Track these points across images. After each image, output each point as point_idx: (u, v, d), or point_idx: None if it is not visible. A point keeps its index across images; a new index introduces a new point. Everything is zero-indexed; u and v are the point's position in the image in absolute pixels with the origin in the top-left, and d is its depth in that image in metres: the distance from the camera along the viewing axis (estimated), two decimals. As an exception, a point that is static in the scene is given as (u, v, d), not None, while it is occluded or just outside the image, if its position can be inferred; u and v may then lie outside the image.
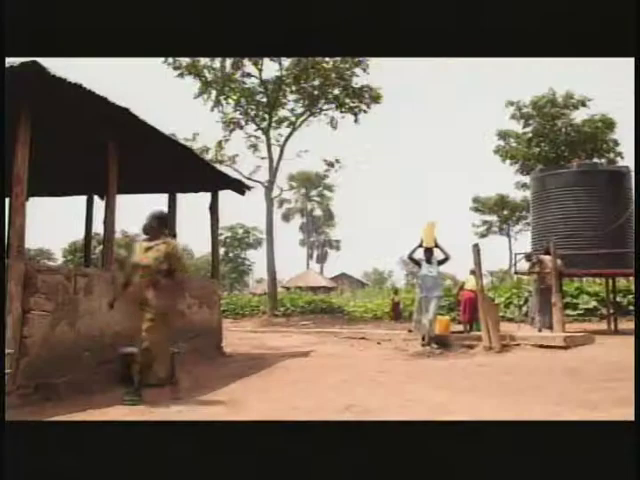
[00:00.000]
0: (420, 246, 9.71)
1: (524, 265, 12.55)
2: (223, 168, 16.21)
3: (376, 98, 22.45)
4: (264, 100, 22.54)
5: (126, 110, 5.98)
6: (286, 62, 21.70)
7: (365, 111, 22.67)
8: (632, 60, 3.47)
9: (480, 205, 47.99)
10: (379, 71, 44.81)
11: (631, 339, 7.65)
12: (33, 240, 41.27)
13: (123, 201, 7.22)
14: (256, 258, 60.58)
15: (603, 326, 13.18)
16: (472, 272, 10.99)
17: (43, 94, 5.29)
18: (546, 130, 28.01)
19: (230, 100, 22.51)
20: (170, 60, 21.31)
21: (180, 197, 9.67)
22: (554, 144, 28.03)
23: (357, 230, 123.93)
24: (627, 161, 26.48)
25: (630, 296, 16.09)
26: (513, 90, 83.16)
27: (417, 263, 9.83)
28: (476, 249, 9.81)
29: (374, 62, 22.04)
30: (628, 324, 12.92)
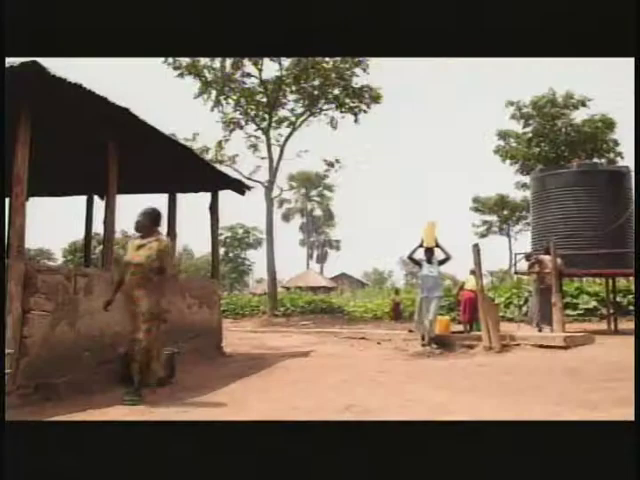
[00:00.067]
0: (420, 246, 9.70)
1: (524, 265, 12.54)
2: (223, 168, 16.21)
3: (376, 98, 22.45)
4: (264, 100, 22.55)
5: (126, 110, 5.98)
6: (286, 62, 21.72)
7: (365, 111, 22.68)
8: (632, 60, 3.47)
9: (480, 205, 47.99)
10: (379, 71, 44.83)
11: (631, 339, 7.65)
12: (33, 240, 41.29)
13: (123, 201, 7.23)
14: (256, 258, 60.65)
15: (603, 326, 13.18)
16: (472, 272, 10.99)
17: (43, 94, 5.29)
18: (546, 130, 28.00)
19: (230, 100, 22.52)
20: (170, 60, 21.32)
21: (180, 197, 9.66)
22: (554, 144, 28.02)
23: (357, 230, 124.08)
24: (627, 161, 26.51)
25: (630, 296, 16.08)
26: (513, 90, 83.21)
27: (417, 263, 9.82)
28: (476, 249, 9.81)
29: (374, 62, 22.07)
30: (628, 324, 12.92)
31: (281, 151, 23.07)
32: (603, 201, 11.87)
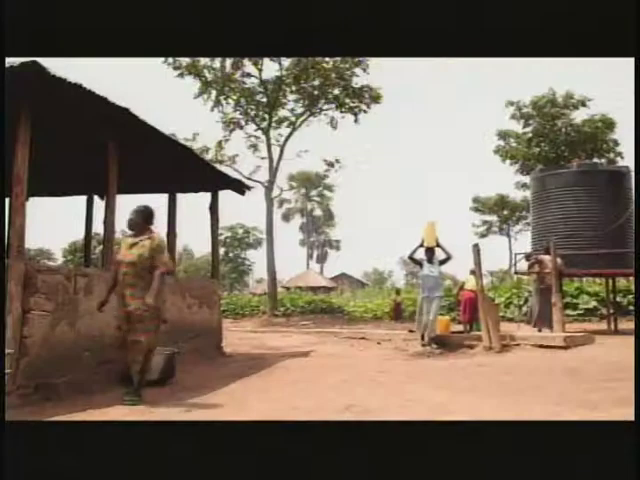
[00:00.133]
0: (421, 246, 9.69)
1: (524, 265, 12.54)
2: (223, 168, 16.21)
3: (376, 98, 22.45)
4: (264, 100, 22.55)
5: (126, 110, 5.98)
6: (286, 62, 21.71)
7: (365, 111, 22.68)
8: (632, 60, 3.47)
9: (480, 205, 47.99)
10: (379, 71, 44.84)
11: (631, 339, 7.65)
12: (33, 240, 41.30)
13: (123, 201, 7.22)
14: (256, 258, 60.65)
15: (603, 326, 13.18)
16: (472, 272, 10.99)
17: (43, 94, 5.29)
18: (546, 130, 28.00)
19: (230, 100, 22.52)
20: (170, 60, 21.32)
21: (180, 197, 9.67)
22: (554, 144, 28.03)
23: (357, 230, 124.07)
24: (627, 161, 26.51)
25: (630, 296, 16.08)
26: (513, 90, 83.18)
27: (418, 263, 9.82)
28: (476, 249, 9.81)
29: (374, 62, 22.07)
30: (628, 324, 12.91)
31: (281, 151, 23.09)
32: (603, 201, 11.87)
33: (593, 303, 16.99)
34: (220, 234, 20.33)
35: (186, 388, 5.91)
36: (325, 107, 22.86)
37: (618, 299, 14.29)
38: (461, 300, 12.21)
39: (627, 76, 8.06)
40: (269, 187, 22.91)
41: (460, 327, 12.12)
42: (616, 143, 27.86)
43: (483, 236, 47.84)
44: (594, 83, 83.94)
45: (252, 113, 22.83)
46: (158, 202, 9.98)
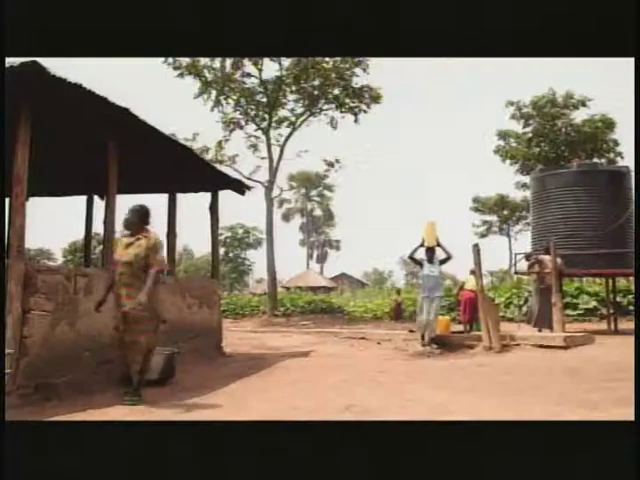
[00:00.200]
0: (422, 246, 9.69)
1: (524, 265, 12.55)
2: (223, 168, 16.21)
3: (376, 98, 22.46)
4: (264, 100, 22.55)
5: (126, 110, 5.98)
6: (286, 62, 21.72)
7: (365, 111, 22.68)
8: (632, 60, 3.47)
9: (480, 205, 47.98)
10: (379, 71, 44.83)
11: (631, 339, 7.65)
12: (33, 240, 41.28)
13: (123, 201, 7.22)
14: (256, 258, 60.66)
15: (603, 326, 13.18)
16: (472, 272, 10.99)
17: (43, 94, 5.29)
18: (546, 130, 28.01)
19: (230, 100, 22.52)
20: (170, 60, 21.32)
21: (180, 197, 9.67)
22: (554, 144, 28.03)
23: (357, 230, 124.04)
24: (627, 161, 26.52)
25: (630, 296, 16.08)
26: (513, 90, 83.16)
27: (418, 263, 9.81)
28: (476, 249, 9.81)
29: (374, 62, 22.07)
30: (628, 324, 12.92)
31: (281, 151, 23.09)
32: (603, 201, 11.87)
33: (593, 303, 16.99)
34: (220, 234, 20.33)
35: (186, 388, 5.91)
36: (325, 107, 22.88)
37: (618, 299, 14.29)
38: (461, 300, 12.22)
39: (627, 76, 8.06)
40: (269, 187, 22.91)
41: (460, 327, 12.12)
42: (616, 143, 27.87)
43: (483, 236, 47.85)
44: (594, 83, 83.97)
45: (252, 113, 22.84)
46: (158, 202, 10.01)
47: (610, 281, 13.42)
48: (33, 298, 5.26)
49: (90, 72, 10.59)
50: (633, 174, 12.07)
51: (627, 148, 27.79)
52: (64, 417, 4.48)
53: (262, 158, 23.09)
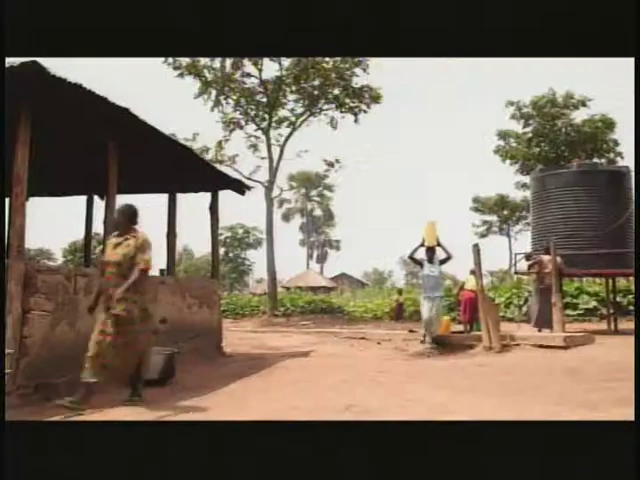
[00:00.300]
0: (422, 245, 9.68)
1: (524, 265, 12.55)
2: (223, 168, 16.22)
3: (376, 98, 22.46)
4: (264, 100, 22.56)
5: (126, 110, 5.98)
6: (286, 62, 21.73)
7: (365, 111, 22.69)
8: (632, 60, 3.47)
9: (480, 205, 47.99)
10: (379, 71, 44.83)
11: (631, 339, 7.65)
12: (33, 240, 41.29)
13: (123, 201, 7.21)
14: (256, 258, 60.69)
15: (603, 326, 13.18)
16: (472, 272, 10.99)
17: (43, 94, 5.29)
18: (546, 130, 28.01)
19: (230, 100, 22.53)
20: (170, 60, 21.33)
21: (180, 197, 9.67)
22: (554, 144, 28.03)
23: (357, 230, 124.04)
24: (627, 161, 26.53)
25: (630, 296, 16.08)
26: (513, 90, 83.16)
27: (419, 263, 9.79)
28: (476, 249, 9.80)
29: (374, 62, 22.08)
30: (628, 324, 12.92)
31: (281, 151, 23.10)
32: (603, 201, 11.87)
33: (593, 303, 16.99)
34: (220, 234, 20.33)
35: (186, 388, 5.91)
36: (325, 107, 22.89)
37: (618, 299, 14.29)
38: (461, 300, 12.22)
39: (627, 76, 8.06)
40: (269, 187, 22.91)
41: (460, 327, 12.12)
42: (616, 143, 27.87)
43: (483, 236, 47.86)
44: (594, 83, 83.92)
45: (252, 113, 22.84)
46: (158, 202, 10.03)
47: (610, 281, 13.42)
48: (33, 298, 5.27)
49: (90, 72, 10.60)
50: (633, 174, 12.07)
51: (627, 148, 27.85)
52: (64, 417, 4.48)
53: (262, 158, 23.12)
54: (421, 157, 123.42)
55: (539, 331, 10.42)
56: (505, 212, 47.20)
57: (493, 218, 48.59)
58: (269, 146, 22.92)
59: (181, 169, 8.53)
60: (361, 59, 21.35)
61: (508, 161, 29.69)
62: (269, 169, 22.93)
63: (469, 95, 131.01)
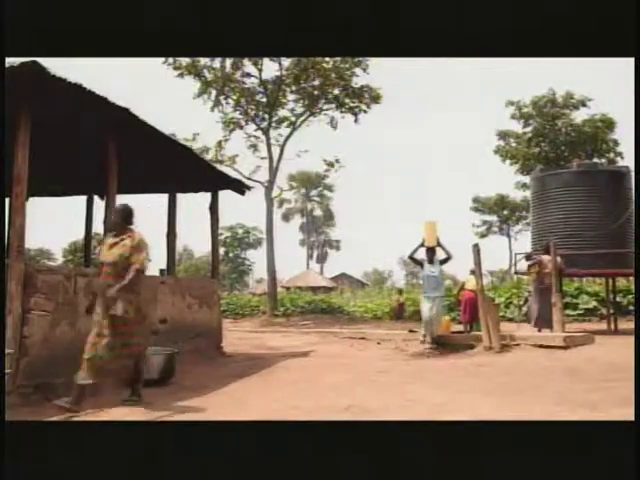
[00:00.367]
0: (422, 246, 9.66)
1: (524, 265, 12.54)
2: (223, 168, 16.20)
3: (376, 98, 22.44)
4: (264, 100, 22.54)
5: (126, 110, 5.98)
6: (286, 62, 21.70)
7: (365, 111, 22.67)
8: (632, 60, 3.47)
9: (480, 205, 48.01)
10: (379, 71, 44.80)
11: (631, 339, 7.64)
12: (33, 240, 41.22)
13: (123, 201, 7.21)
14: (256, 258, 60.69)
15: (603, 326, 13.17)
16: (472, 272, 10.98)
17: (43, 94, 5.29)
18: (546, 130, 28.02)
19: (230, 100, 22.51)
20: (170, 60, 21.30)
21: (180, 197, 9.67)
22: (554, 144, 28.03)
23: (357, 230, 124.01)
24: (627, 161, 26.51)
25: (630, 296, 16.08)
26: (513, 90, 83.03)
27: (419, 263, 9.76)
28: (476, 249, 9.80)
29: (374, 62, 22.06)
30: (628, 324, 12.91)
31: (281, 151, 23.07)
32: (603, 201, 11.86)
33: (593, 303, 16.99)
34: (220, 234, 20.32)
35: (186, 388, 5.91)
36: (325, 107, 22.86)
37: (618, 299, 14.28)
38: (461, 300, 12.21)
39: (627, 76, 8.05)
40: (269, 187, 22.89)
41: (460, 327, 12.12)
42: (616, 143, 27.87)
43: (483, 236, 47.85)
44: (594, 83, 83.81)
45: (252, 113, 22.82)
46: (158, 202, 10.03)
47: (610, 281, 13.42)
48: (33, 298, 5.27)
49: (90, 72, 10.59)
50: (633, 174, 12.07)
51: (627, 148, 27.84)
52: (64, 417, 4.48)
53: (262, 158, 23.08)
54: (421, 157, 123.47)
55: (539, 331, 10.42)
56: (505, 212, 47.22)
57: (493, 218, 48.62)
58: (269, 146, 22.91)
59: (181, 169, 8.53)
60: (361, 59, 21.33)
61: (508, 161, 29.68)
62: (269, 169, 22.91)
63: (469, 95, 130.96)
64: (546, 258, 10.90)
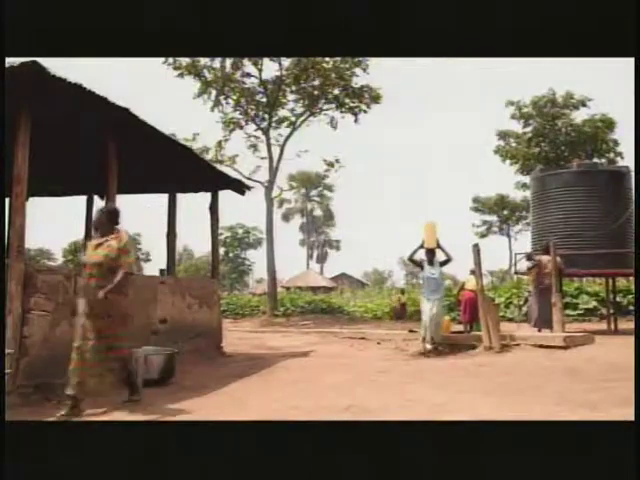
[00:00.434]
0: (421, 247, 9.64)
1: (524, 265, 12.54)
2: (223, 168, 16.20)
3: (376, 98, 22.45)
4: (264, 100, 22.54)
5: (126, 110, 5.98)
6: (286, 62, 21.71)
7: (365, 111, 22.68)
8: (632, 60, 3.47)
9: (480, 205, 48.02)
10: (379, 71, 44.80)
11: (631, 339, 7.64)
12: (33, 240, 41.26)
13: (123, 201, 7.23)
14: (256, 258, 60.72)
15: (603, 326, 13.17)
16: (472, 272, 10.98)
17: (43, 94, 5.29)
18: (546, 130, 28.02)
19: (230, 100, 22.51)
20: (170, 60, 21.31)
21: (180, 197, 9.67)
22: (554, 144, 28.04)
23: (357, 230, 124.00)
24: (627, 161, 26.52)
25: (630, 296, 16.09)
26: (513, 90, 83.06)
27: (418, 265, 9.73)
28: (476, 249, 9.80)
29: (374, 62, 22.06)
30: (628, 324, 12.91)
31: (281, 151, 23.08)
32: (603, 201, 11.86)
33: (593, 303, 16.99)
34: (220, 234, 20.31)
35: (186, 388, 5.91)
36: (325, 107, 22.86)
37: (618, 299, 14.28)
38: (461, 300, 12.21)
39: (627, 76, 8.06)
40: (269, 187, 22.90)
41: (460, 327, 12.12)
42: (616, 143, 27.88)
43: (483, 236, 47.86)
44: (594, 83, 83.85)
45: (252, 113, 22.82)
46: (158, 202, 10.03)
47: (610, 281, 13.42)
48: (33, 298, 5.27)
49: (90, 72, 10.59)
50: (633, 174, 12.07)
51: (627, 148, 27.84)
52: (64, 417, 4.48)
53: (262, 158, 23.09)
54: (421, 157, 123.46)
55: (539, 331, 10.42)
56: (505, 212, 47.23)
57: (493, 218, 48.63)
58: (269, 146, 22.91)
59: (181, 169, 8.54)
60: (361, 59, 21.33)
61: (508, 161, 29.69)
62: (269, 169, 22.91)
63: (469, 95, 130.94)
64: (545, 258, 10.90)
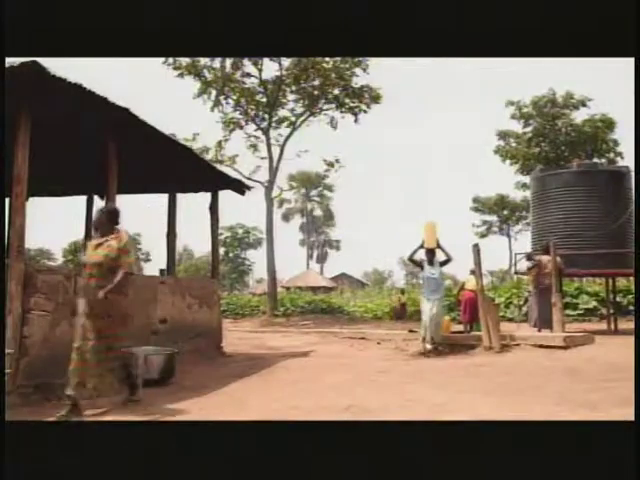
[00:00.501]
0: (421, 247, 9.63)
1: (524, 265, 12.54)
2: (223, 168, 16.20)
3: (376, 98, 22.45)
4: (264, 100, 22.54)
5: (126, 110, 5.98)
6: (286, 62, 21.71)
7: (365, 111, 22.68)
8: (632, 60, 3.47)
9: (480, 205, 48.02)
10: (379, 71, 44.82)
11: (631, 339, 7.64)
12: (33, 240, 41.25)
13: (123, 201, 7.23)
14: (256, 258, 60.73)
15: (603, 326, 13.17)
16: (472, 272, 10.98)
17: (43, 94, 5.29)
18: (546, 130, 28.03)
19: (230, 100, 22.52)
20: (170, 60, 21.31)
21: (180, 197, 9.67)
22: (554, 144, 28.05)
23: (357, 230, 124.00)
24: (627, 161, 26.52)
25: (630, 296, 16.08)
26: (513, 90, 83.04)
27: (418, 265, 9.72)
28: (476, 249, 9.80)
29: (374, 62, 22.06)
30: (628, 324, 12.91)
31: (281, 151, 23.07)
32: (603, 201, 11.86)
33: (593, 303, 16.99)
34: (220, 234, 20.31)
35: (186, 388, 5.91)
36: (325, 107, 22.86)
37: (618, 299, 14.28)
38: (461, 300, 12.21)
39: (627, 76, 8.05)
40: (269, 187, 22.90)
41: (460, 327, 12.12)
42: (616, 143, 27.88)
43: (483, 236, 47.86)
44: (594, 83, 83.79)
45: (252, 113, 22.82)
46: (158, 202, 10.03)
47: (610, 281, 13.42)
48: (33, 298, 5.27)
49: (90, 72, 10.59)
50: (633, 174, 12.07)
51: (627, 148, 27.84)
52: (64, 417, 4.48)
53: (262, 158, 23.09)
54: (421, 157, 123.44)
55: (539, 331, 10.42)
56: (505, 212, 47.23)
57: (493, 218, 48.63)
58: (269, 146, 22.91)
59: (181, 169, 8.54)
60: (361, 59, 21.34)
61: (508, 161, 29.69)
62: (269, 169, 22.91)
63: (469, 95, 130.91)
64: (545, 258, 10.90)
